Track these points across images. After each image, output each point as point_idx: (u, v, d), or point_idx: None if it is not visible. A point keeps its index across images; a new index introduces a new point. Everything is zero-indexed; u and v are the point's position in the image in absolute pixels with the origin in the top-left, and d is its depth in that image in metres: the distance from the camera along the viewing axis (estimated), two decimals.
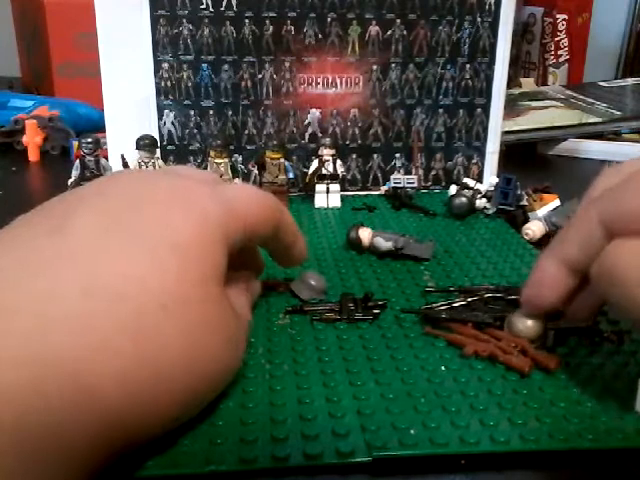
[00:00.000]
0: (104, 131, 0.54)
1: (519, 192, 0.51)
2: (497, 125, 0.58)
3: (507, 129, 0.68)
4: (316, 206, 0.54)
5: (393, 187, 0.55)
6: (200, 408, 0.24)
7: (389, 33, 0.55)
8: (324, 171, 0.53)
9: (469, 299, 0.35)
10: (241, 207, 0.27)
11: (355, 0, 0.54)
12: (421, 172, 0.58)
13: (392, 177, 0.55)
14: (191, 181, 0.26)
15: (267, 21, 0.53)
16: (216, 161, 0.50)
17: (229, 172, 0.50)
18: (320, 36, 0.54)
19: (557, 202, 0.49)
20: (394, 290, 0.37)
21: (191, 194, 0.25)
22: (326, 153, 0.52)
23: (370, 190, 0.58)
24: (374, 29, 0.55)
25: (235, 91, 0.55)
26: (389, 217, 0.51)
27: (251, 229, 0.27)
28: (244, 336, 0.27)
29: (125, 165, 0.49)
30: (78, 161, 0.48)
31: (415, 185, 0.55)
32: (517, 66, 1.09)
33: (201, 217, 0.24)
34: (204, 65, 0.54)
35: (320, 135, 0.56)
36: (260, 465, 0.23)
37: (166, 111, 0.55)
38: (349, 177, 0.57)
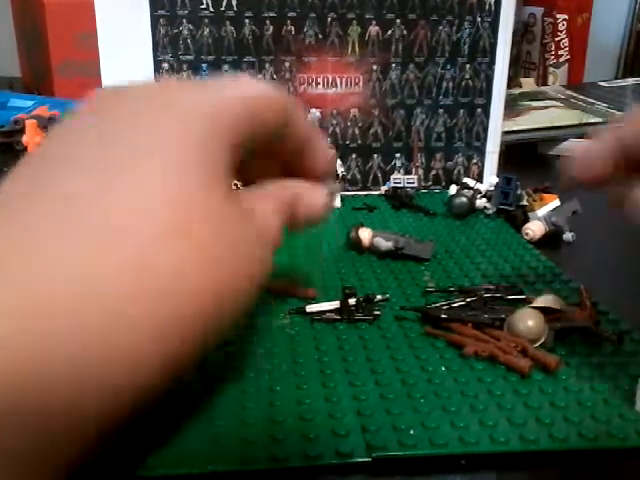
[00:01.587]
0: None
1: (519, 192, 0.51)
2: (497, 125, 0.58)
3: (507, 129, 0.68)
4: None
5: (393, 187, 0.55)
6: (228, 327, 0.22)
7: (389, 33, 0.55)
8: None
9: (469, 299, 0.35)
10: (236, 92, 0.23)
11: (355, 0, 0.54)
12: (421, 172, 0.58)
13: (392, 177, 0.55)
14: (173, 85, 0.24)
15: (267, 21, 0.53)
16: None
17: None
18: (320, 36, 0.54)
19: (557, 202, 0.49)
20: (394, 290, 0.37)
21: (169, 97, 0.22)
22: None
23: (370, 190, 0.58)
24: (374, 29, 0.55)
25: None
26: (389, 217, 0.51)
27: (260, 116, 0.23)
28: (263, 249, 0.23)
29: None
30: None
31: (415, 185, 0.55)
32: (517, 66, 1.08)
33: (182, 126, 0.21)
34: (204, 65, 0.54)
35: None
36: (260, 466, 0.23)
37: None
38: (349, 177, 0.57)
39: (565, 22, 1.04)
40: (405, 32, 0.55)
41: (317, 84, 0.55)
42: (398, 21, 0.55)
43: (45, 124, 0.71)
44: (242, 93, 0.23)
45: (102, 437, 0.18)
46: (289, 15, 0.54)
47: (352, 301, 0.34)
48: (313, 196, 0.27)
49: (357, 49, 0.55)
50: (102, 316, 0.18)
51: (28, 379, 0.16)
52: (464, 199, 0.51)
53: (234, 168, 0.23)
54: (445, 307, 0.34)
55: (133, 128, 0.21)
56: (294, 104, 0.26)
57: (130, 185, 0.20)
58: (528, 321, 0.30)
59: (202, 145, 0.21)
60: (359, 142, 0.57)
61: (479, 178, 0.58)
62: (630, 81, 0.96)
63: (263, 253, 0.23)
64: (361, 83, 0.56)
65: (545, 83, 1.05)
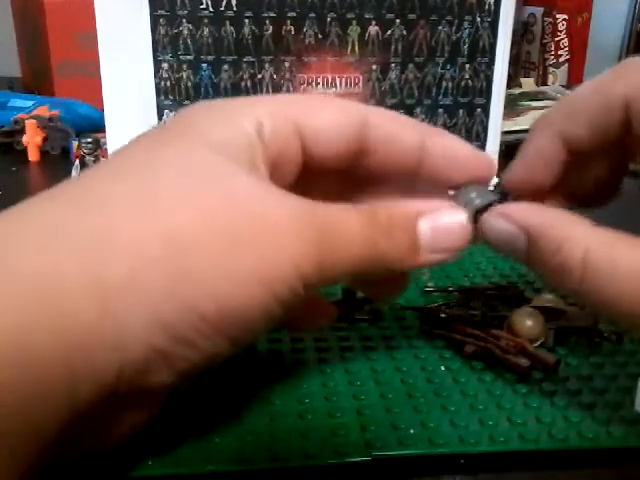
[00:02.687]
0: (104, 131, 0.54)
1: None
2: (497, 125, 0.58)
3: (507, 129, 0.68)
4: None
5: None
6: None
7: (389, 33, 0.55)
8: None
9: (469, 299, 0.35)
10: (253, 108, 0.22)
11: (355, 0, 0.54)
12: None
13: None
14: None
15: (267, 21, 0.53)
16: None
17: None
18: (320, 36, 0.54)
19: None
20: None
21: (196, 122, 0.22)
22: None
23: None
24: (374, 29, 0.55)
25: (235, 91, 0.55)
26: None
27: (289, 123, 0.22)
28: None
29: None
30: (78, 161, 0.49)
31: None
32: (517, 66, 1.09)
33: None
34: (204, 65, 0.54)
35: None
36: (259, 465, 0.23)
37: (166, 111, 0.55)
38: None
39: (565, 22, 1.04)
40: (405, 32, 0.55)
41: (317, 84, 0.55)
42: (398, 21, 0.55)
43: (45, 124, 0.71)
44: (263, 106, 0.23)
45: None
46: (289, 15, 0.54)
47: (352, 300, 0.34)
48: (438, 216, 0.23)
49: (357, 49, 0.55)
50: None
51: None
52: None
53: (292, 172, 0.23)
54: (445, 307, 0.34)
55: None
56: (372, 112, 0.23)
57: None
58: (528, 321, 0.30)
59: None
60: None
61: None
62: None
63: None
64: (361, 83, 0.56)
65: (545, 83, 1.05)
